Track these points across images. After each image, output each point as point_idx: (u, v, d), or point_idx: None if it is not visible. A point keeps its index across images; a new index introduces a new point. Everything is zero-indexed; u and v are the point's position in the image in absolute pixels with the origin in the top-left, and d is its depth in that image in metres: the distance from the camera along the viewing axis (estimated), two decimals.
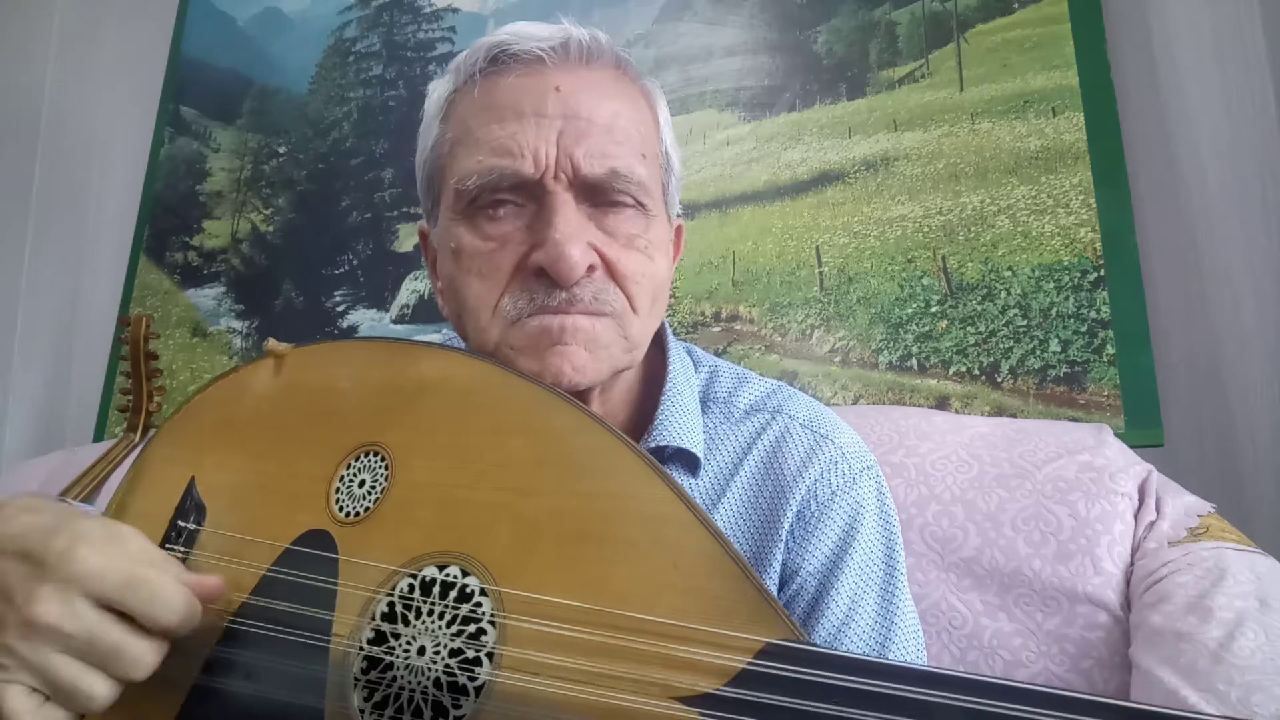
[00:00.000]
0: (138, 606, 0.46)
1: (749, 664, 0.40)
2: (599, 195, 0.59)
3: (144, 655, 0.47)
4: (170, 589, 0.47)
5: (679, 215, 0.71)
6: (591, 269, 0.58)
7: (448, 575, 0.48)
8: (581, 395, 0.61)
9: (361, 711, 0.46)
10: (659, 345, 0.71)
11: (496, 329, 0.59)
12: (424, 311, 1.64)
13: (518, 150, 0.57)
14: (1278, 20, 1.13)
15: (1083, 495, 0.89)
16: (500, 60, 0.59)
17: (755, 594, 0.43)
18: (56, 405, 1.91)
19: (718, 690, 0.40)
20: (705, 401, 0.70)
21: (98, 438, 1.82)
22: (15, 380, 1.88)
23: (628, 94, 0.62)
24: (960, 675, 0.37)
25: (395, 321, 1.67)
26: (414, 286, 1.66)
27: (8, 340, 1.88)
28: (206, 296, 1.86)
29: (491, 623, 0.46)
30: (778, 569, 0.63)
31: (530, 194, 0.58)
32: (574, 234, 0.56)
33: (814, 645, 0.40)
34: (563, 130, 0.57)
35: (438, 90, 0.64)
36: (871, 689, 0.37)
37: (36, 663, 0.44)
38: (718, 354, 1.36)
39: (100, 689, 0.46)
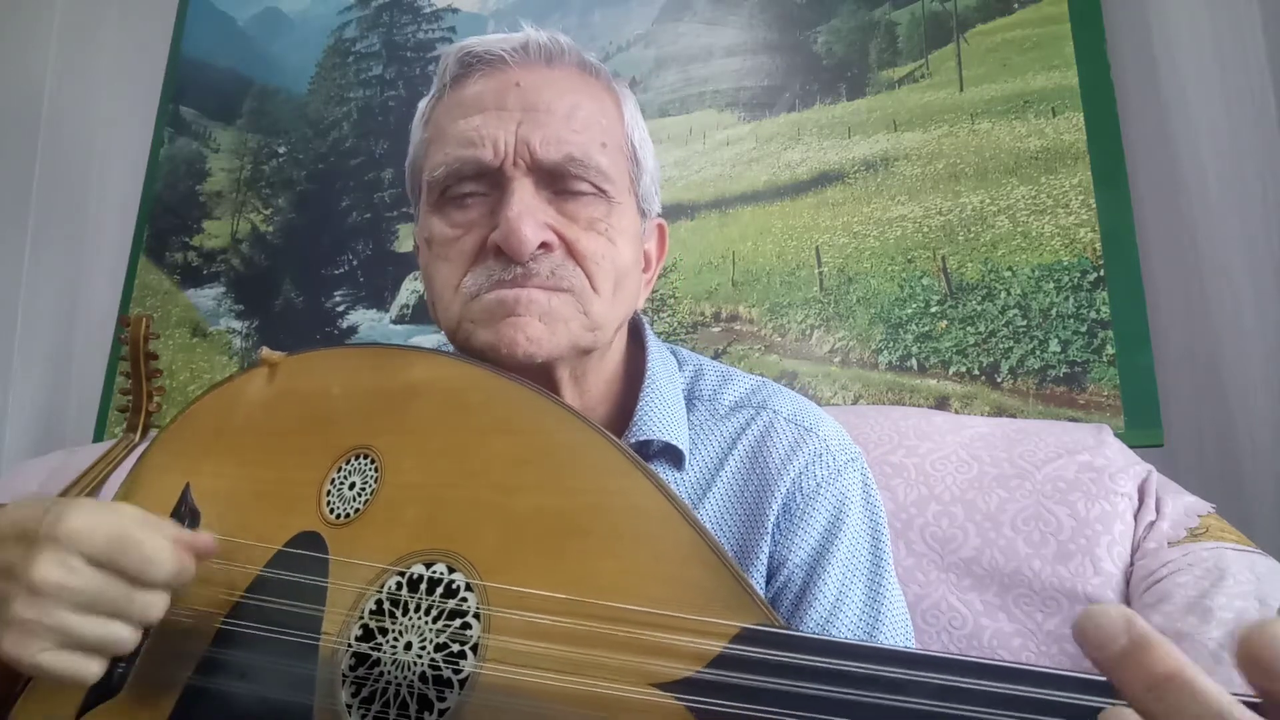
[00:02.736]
0: (128, 564, 0.47)
1: (725, 648, 0.41)
2: (558, 181, 0.61)
3: (154, 600, 0.48)
4: (159, 546, 0.48)
5: (659, 215, 0.72)
6: (548, 246, 0.60)
7: (434, 572, 0.49)
8: (551, 381, 0.63)
9: (349, 707, 0.47)
10: (639, 343, 0.72)
11: (457, 306, 0.61)
12: (424, 311, 1.64)
13: (479, 140, 0.60)
14: (1278, 21, 1.13)
15: (1082, 495, 0.89)
16: (466, 64, 0.64)
17: (732, 581, 0.44)
18: (56, 405, 1.90)
19: (696, 674, 0.41)
20: (691, 399, 0.71)
21: (98, 438, 1.82)
22: (15, 380, 1.88)
23: (589, 89, 0.65)
24: (925, 654, 0.39)
25: (395, 322, 1.66)
26: (414, 286, 1.66)
27: (8, 340, 1.88)
28: (206, 296, 1.86)
29: (476, 616, 0.47)
30: (764, 561, 0.64)
31: (493, 182, 0.61)
32: (526, 211, 0.58)
33: (787, 629, 0.42)
34: (522, 121, 0.60)
35: (422, 102, 0.69)
36: (843, 669, 0.39)
37: (54, 625, 0.45)
38: (717, 354, 1.36)
39: (124, 632, 0.47)
